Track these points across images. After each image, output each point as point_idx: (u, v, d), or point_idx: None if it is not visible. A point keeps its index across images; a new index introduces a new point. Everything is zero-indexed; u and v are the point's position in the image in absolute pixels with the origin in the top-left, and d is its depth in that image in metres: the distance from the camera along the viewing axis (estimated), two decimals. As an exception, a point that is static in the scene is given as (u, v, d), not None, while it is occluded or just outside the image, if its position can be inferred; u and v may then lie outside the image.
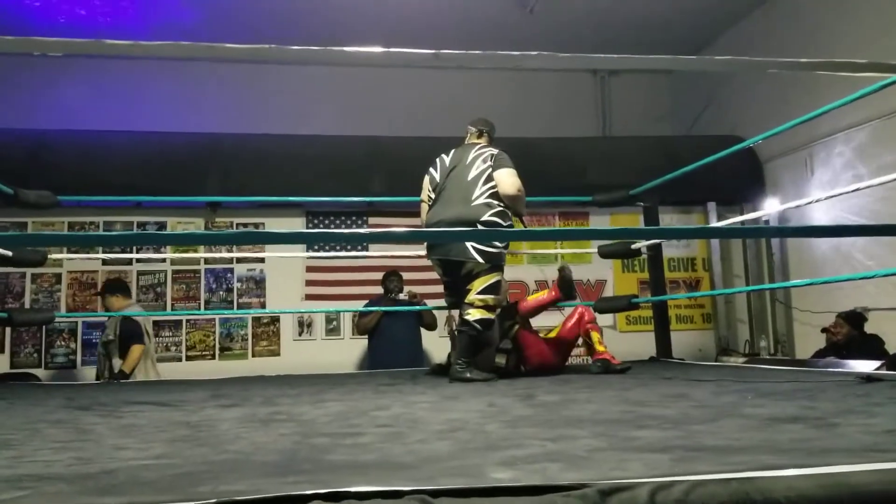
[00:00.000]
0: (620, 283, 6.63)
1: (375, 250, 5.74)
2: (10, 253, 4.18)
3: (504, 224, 3.66)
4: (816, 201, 4.13)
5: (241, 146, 6.26)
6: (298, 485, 1.10)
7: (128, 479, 1.25)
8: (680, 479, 1.04)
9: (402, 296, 5.22)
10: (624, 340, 6.08)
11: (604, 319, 5.58)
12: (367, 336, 5.37)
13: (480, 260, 3.62)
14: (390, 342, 5.15)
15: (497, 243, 3.65)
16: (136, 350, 4.90)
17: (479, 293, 3.65)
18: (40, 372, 5.69)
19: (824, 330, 5.22)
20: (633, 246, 4.90)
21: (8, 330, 5.67)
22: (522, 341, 3.88)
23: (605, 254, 5.11)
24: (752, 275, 6.70)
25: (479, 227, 3.59)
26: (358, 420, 2.16)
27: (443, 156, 3.94)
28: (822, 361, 4.38)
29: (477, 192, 3.66)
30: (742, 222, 5.07)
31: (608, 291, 6.55)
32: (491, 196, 3.66)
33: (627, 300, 4.85)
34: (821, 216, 5.75)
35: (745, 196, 6.70)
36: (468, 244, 3.60)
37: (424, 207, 3.97)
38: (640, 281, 6.49)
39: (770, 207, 5.99)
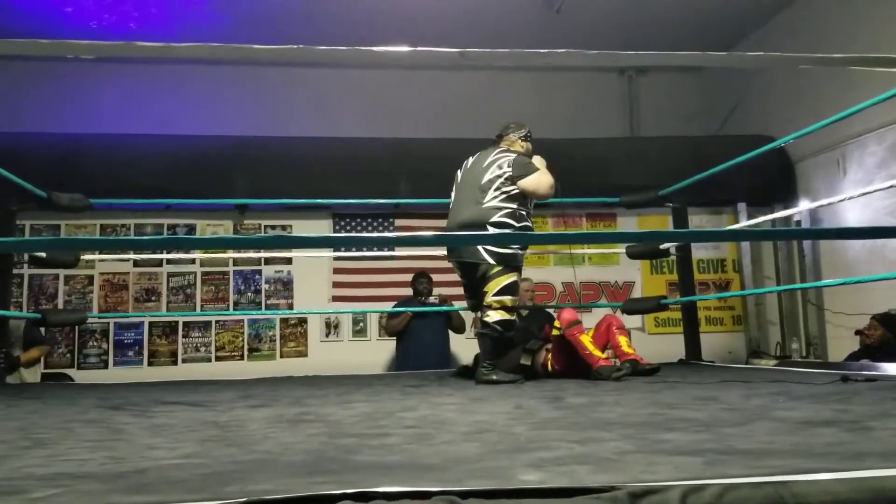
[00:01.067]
0: (649, 284, 6.57)
1: (402, 251, 5.75)
2: (43, 254, 4.26)
3: (516, 225, 3.65)
4: (848, 199, 4.07)
5: (269, 149, 6.31)
6: (326, 485, 1.10)
7: (159, 478, 1.26)
8: (711, 483, 1.02)
9: (431, 299, 5.21)
10: (652, 342, 6.03)
11: (632, 321, 5.55)
12: (395, 338, 5.38)
13: (492, 261, 3.63)
14: (418, 344, 5.15)
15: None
16: (35, 351, 4.92)
17: (495, 295, 3.64)
18: (73, 372, 5.78)
19: (858, 332, 5.13)
20: (662, 247, 4.86)
21: (42, 330, 5.75)
22: (552, 344, 3.86)
23: (633, 254, 5.08)
24: (784, 276, 6.60)
25: (490, 228, 3.59)
26: (385, 421, 2.16)
27: (469, 158, 3.95)
28: (856, 364, 4.29)
29: (489, 196, 3.66)
30: (773, 222, 4.99)
31: (636, 293, 6.51)
32: (503, 200, 3.66)
33: (656, 301, 4.81)
34: (853, 216, 5.66)
35: (776, 196, 6.60)
36: (479, 246, 3.62)
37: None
38: (669, 282, 6.44)
39: (801, 207, 5.90)
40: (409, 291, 5.40)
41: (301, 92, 7.23)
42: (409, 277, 5.42)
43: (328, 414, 2.37)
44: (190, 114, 6.87)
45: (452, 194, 3.96)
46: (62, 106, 6.74)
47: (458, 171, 3.96)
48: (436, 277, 5.41)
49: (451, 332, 5.34)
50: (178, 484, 1.20)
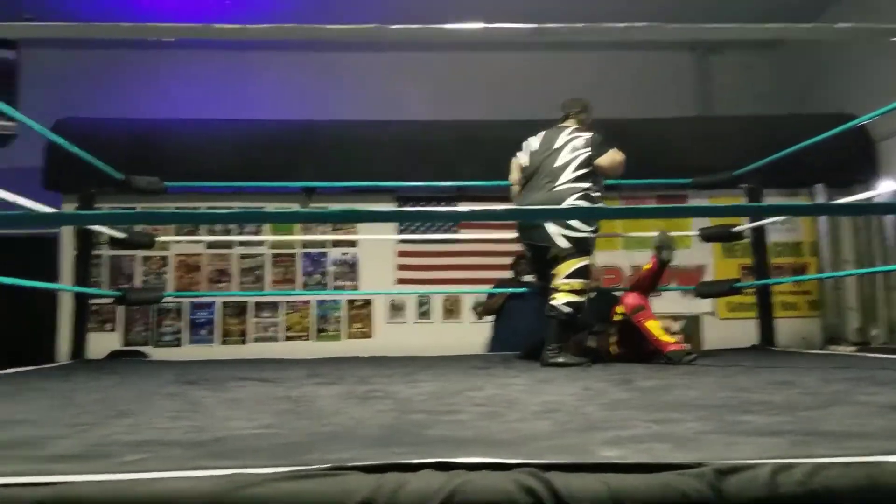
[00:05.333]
0: (721, 268, 6.41)
1: (465, 234, 5.75)
2: (124, 235, 4.41)
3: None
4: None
5: (335, 133, 6.38)
6: (404, 455, 1.11)
7: (240, 446, 1.29)
8: (801, 462, 0.99)
9: (526, 278, 5.15)
10: (724, 327, 5.88)
11: (704, 306, 5.42)
12: (492, 318, 5.36)
13: (565, 245, 3.59)
14: (514, 325, 5.10)
15: (583, 228, 3.60)
16: None
17: (565, 278, 3.61)
18: (149, 349, 5.99)
19: (943, 319, 4.91)
20: (735, 229, 4.73)
21: (122, 309, 5.98)
22: (617, 328, 3.81)
23: (707, 237, 4.94)
24: (864, 259, 6.35)
25: None
26: (453, 399, 2.16)
27: (531, 139, 3.91)
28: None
29: (563, 178, 3.63)
30: (852, 204, 4.80)
31: (707, 277, 6.35)
32: (578, 180, 3.62)
33: (729, 285, 4.69)
34: (939, 198, 5.40)
35: (856, 177, 6.34)
36: (553, 229, 3.58)
37: (514, 190, 3.95)
38: (742, 266, 6.26)
39: (883, 188, 5.65)
40: (472, 275, 5.39)
41: (367, 76, 7.28)
42: (472, 261, 5.41)
43: (396, 392, 2.38)
44: (259, 99, 7.00)
45: (517, 176, 3.92)
46: (138, 92, 6.95)
47: (522, 154, 3.92)
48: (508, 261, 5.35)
49: None
50: (259, 452, 1.23)
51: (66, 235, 5.84)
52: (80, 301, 4.72)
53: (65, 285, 5.43)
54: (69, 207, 5.62)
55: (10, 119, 5.86)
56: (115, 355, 5.55)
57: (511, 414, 1.80)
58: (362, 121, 6.49)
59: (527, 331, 4.87)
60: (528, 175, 3.81)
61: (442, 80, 7.29)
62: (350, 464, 0.98)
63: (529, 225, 3.75)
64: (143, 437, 1.42)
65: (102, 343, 5.69)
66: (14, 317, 6.33)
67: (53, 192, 5.79)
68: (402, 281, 6.24)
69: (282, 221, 5.74)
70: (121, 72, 7.03)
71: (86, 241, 4.91)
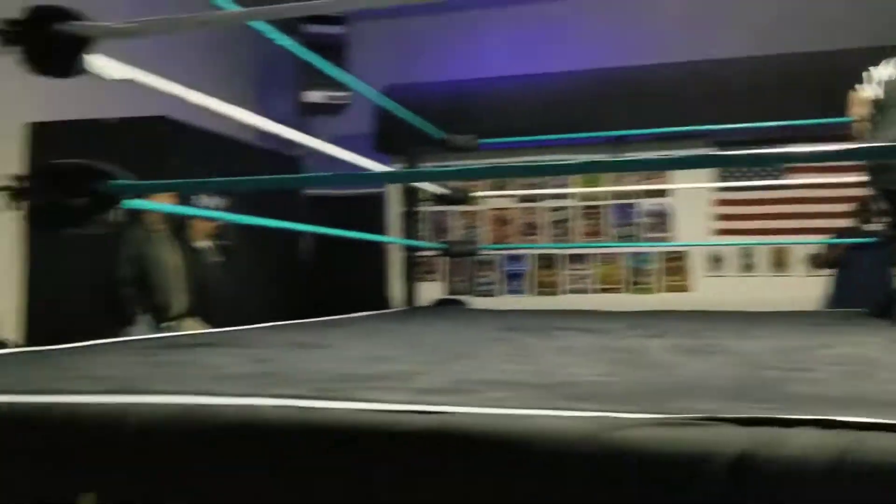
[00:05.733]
0: None
1: (793, 180, 5.23)
2: (445, 191, 4.72)
3: None
4: None
5: (644, 78, 6.18)
6: (768, 411, 1.01)
7: (590, 391, 1.29)
8: None
9: (870, 227, 4.61)
10: None
11: None
12: (830, 272, 4.93)
13: None
14: (858, 280, 4.63)
15: None
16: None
17: None
18: (468, 298, 6.40)
19: None
20: None
21: (444, 260, 6.45)
22: None
23: None
24: None
25: None
26: (801, 356, 1.98)
27: (877, 69, 3.41)
28: None
29: None
30: None
31: None
32: None
33: None
34: None
35: None
36: None
37: (860, 126, 3.47)
38: None
39: None
40: (804, 223, 4.91)
41: (675, 15, 6.90)
42: (804, 209, 4.92)
43: (732, 346, 2.24)
44: (563, 50, 6.98)
45: (862, 111, 3.44)
46: (453, 54, 7.31)
47: (865, 86, 3.43)
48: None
49: None
50: (613, 397, 1.21)
51: (393, 193, 6.40)
52: (409, 253, 5.17)
53: (396, 238, 5.98)
54: (397, 168, 6.13)
55: (345, 89, 6.53)
56: (441, 303, 6.02)
57: (880, 374, 1.60)
58: (672, 62, 6.18)
59: (872, 286, 4.31)
60: (881, 108, 3.33)
61: (755, 12, 6.65)
62: (723, 415, 0.92)
63: (884, 166, 3.27)
64: (494, 376, 1.49)
65: (428, 291, 6.18)
66: (351, 267, 7.08)
67: (383, 154, 6.36)
68: (721, 232, 5.89)
69: (602, 171, 5.72)
70: (437, 37, 7.43)
71: (411, 199, 5.32)
